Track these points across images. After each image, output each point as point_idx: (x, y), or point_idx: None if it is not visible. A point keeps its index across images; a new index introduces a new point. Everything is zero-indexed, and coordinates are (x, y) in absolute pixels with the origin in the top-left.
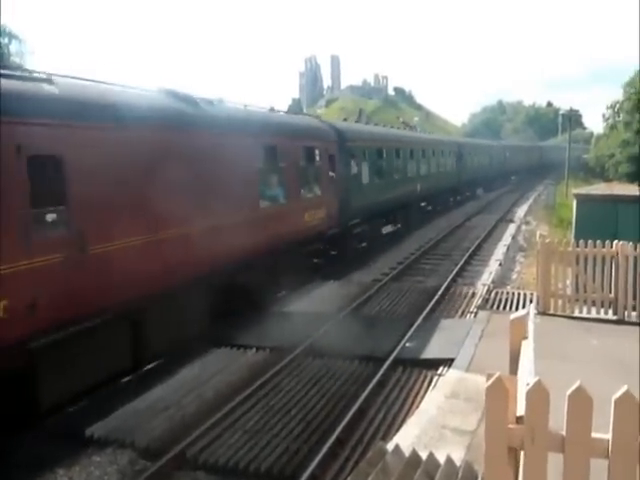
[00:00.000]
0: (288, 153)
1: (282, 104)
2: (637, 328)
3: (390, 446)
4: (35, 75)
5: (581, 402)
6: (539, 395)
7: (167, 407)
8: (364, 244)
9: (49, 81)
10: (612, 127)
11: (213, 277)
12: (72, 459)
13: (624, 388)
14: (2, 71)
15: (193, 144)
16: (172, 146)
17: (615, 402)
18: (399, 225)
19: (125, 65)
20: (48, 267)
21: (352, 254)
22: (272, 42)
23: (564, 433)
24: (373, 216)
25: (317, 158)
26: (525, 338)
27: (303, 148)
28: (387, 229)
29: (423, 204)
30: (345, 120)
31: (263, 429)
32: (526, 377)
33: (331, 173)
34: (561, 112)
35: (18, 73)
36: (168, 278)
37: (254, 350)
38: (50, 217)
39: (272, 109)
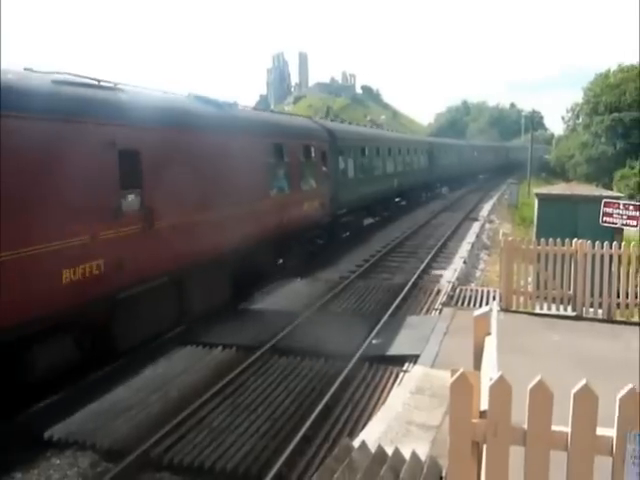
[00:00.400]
0: (291, 150)
1: (249, 100)
2: (595, 324)
3: (356, 442)
4: (108, 84)
5: (542, 396)
6: (502, 390)
7: (130, 407)
8: (347, 233)
9: (121, 90)
10: (572, 129)
11: (235, 254)
12: (30, 462)
13: (583, 382)
14: (88, 81)
15: (221, 142)
16: (210, 144)
17: (574, 396)
18: (377, 218)
19: (90, 56)
20: (130, 236)
21: (339, 241)
22: (240, 38)
23: (525, 426)
24: (357, 208)
25: (313, 155)
26: (488, 334)
27: (302, 146)
28: (368, 220)
29: (397, 199)
30: (310, 117)
31: (229, 428)
32: (489, 372)
33: (324, 168)
34: (524, 113)
35: (100, 83)
36: (204, 253)
37: (220, 348)
38: (130, 197)
39: (273, 111)
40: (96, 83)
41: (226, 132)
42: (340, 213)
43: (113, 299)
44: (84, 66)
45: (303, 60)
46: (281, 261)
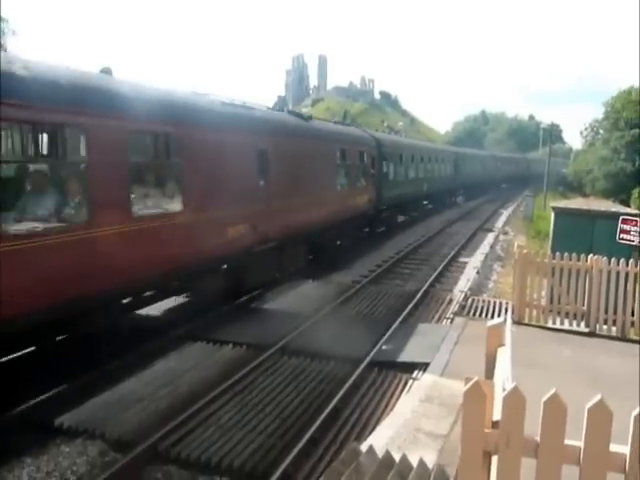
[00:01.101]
0: (351, 155)
1: (268, 100)
2: (608, 341)
3: (364, 447)
4: (248, 105)
5: (556, 409)
6: (516, 401)
7: (140, 399)
8: (383, 228)
9: (254, 109)
10: (591, 144)
11: (311, 232)
12: (40, 448)
13: (597, 397)
14: (238, 102)
15: (309, 146)
16: (301, 147)
17: (588, 410)
18: (408, 216)
19: (114, 56)
20: (260, 210)
21: (380, 232)
22: (260, 38)
23: (538, 439)
24: (394, 206)
25: (365, 159)
26: (501, 345)
27: (358, 152)
28: (400, 218)
29: (425, 202)
30: (362, 127)
31: (237, 425)
32: (503, 383)
33: (372, 170)
34: (542, 126)
35: (244, 104)
36: (296, 228)
37: (230, 346)
38: (262, 183)
39: (339, 122)
40: (242, 104)
41: (311, 139)
42: (381, 208)
43: (249, 251)
44: (103, 63)
45: (322, 63)
46: (339, 242)
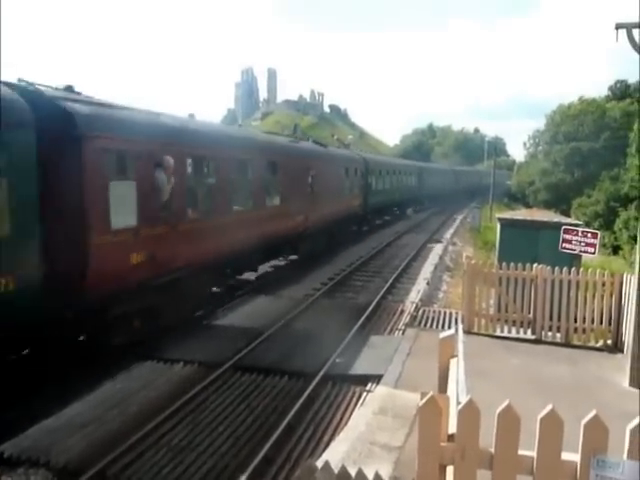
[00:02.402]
0: (350, 171)
1: (217, 114)
2: (553, 347)
3: (319, 463)
4: (305, 140)
5: (509, 420)
6: (470, 413)
7: (87, 423)
8: (366, 228)
9: (306, 141)
10: (532, 156)
11: (332, 222)
12: None
13: (549, 407)
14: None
15: (329, 167)
16: (326, 168)
17: (540, 420)
18: (384, 219)
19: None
20: (309, 207)
21: (367, 229)
22: (209, 52)
23: (492, 450)
24: (375, 210)
25: (357, 173)
26: (453, 357)
27: (354, 168)
28: (378, 221)
29: (395, 209)
30: (350, 149)
31: (189, 446)
32: (457, 395)
33: (361, 182)
34: (487, 139)
35: (297, 139)
36: (327, 220)
37: (182, 364)
38: (309, 190)
39: (345, 145)
40: (294, 139)
41: (329, 160)
42: (367, 211)
43: (303, 234)
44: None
45: (272, 76)
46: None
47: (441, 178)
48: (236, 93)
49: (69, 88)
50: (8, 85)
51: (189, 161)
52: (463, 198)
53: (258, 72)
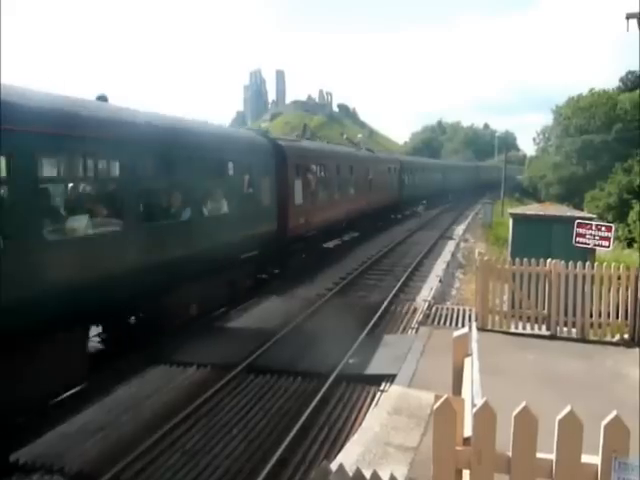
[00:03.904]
0: (387, 171)
1: (226, 117)
2: (568, 343)
3: (334, 465)
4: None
5: (527, 423)
6: (486, 417)
7: (101, 428)
8: (400, 215)
9: (365, 149)
10: (544, 150)
11: (379, 209)
12: None
13: (568, 408)
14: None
15: (378, 168)
16: (370, 169)
17: (559, 422)
18: (419, 208)
19: (68, 73)
20: (366, 198)
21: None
22: (218, 54)
23: (510, 454)
24: (409, 202)
25: (393, 172)
26: (467, 355)
27: (389, 168)
28: (406, 212)
29: (424, 201)
30: (390, 152)
31: (203, 449)
32: (473, 398)
33: (398, 178)
34: (497, 134)
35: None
36: (372, 208)
37: (194, 367)
38: (373, 184)
39: (355, 145)
40: (358, 148)
41: (378, 163)
42: (402, 202)
43: (364, 215)
44: (54, 79)
45: (280, 77)
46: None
47: (463, 174)
48: (245, 95)
49: (102, 97)
50: (261, 134)
51: (321, 168)
52: (483, 191)
53: (266, 74)
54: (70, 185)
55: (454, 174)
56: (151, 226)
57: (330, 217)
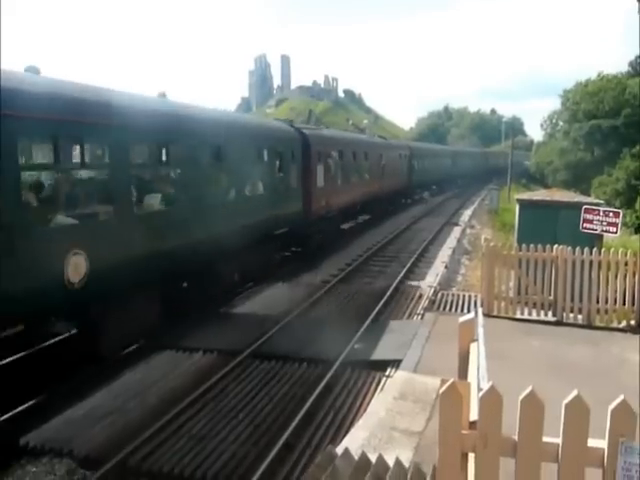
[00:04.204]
0: (400, 157)
1: (231, 102)
2: (575, 329)
3: (339, 449)
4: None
5: (533, 407)
6: (492, 401)
7: (108, 414)
8: (410, 201)
9: (382, 138)
10: (551, 136)
11: (389, 194)
12: (4, 470)
13: (574, 393)
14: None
15: (389, 154)
16: (386, 156)
17: (565, 407)
18: (425, 194)
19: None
20: (383, 181)
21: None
22: (222, 39)
23: (516, 438)
24: (419, 187)
25: (404, 158)
26: (473, 341)
27: (401, 154)
28: (415, 197)
29: (433, 186)
30: (398, 138)
31: (209, 434)
32: (479, 382)
33: (408, 164)
34: (504, 120)
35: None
36: (386, 192)
37: (200, 353)
38: (385, 170)
39: (360, 131)
40: (371, 135)
41: (390, 149)
42: (412, 187)
43: (376, 198)
44: (56, 65)
45: (285, 63)
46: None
47: (472, 160)
48: (250, 81)
49: (163, 94)
50: (290, 125)
51: (339, 154)
52: (490, 177)
53: (271, 59)
54: (178, 171)
55: (463, 160)
56: (213, 204)
57: (347, 200)
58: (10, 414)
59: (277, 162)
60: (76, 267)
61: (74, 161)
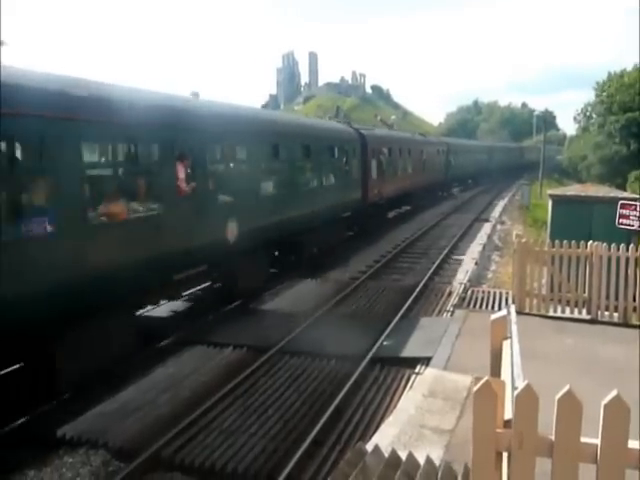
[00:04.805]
0: (438, 152)
1: (259, 100)
2: (610, 328)
3: (369, 446)
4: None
5: (570, 407)
6: (528, 399)
7: (141, 407)
8: (445, 194)
9: (421, 135)
10: (584, 129)
11: (428, 186)
12: (43, 461)
13: (614, 393)
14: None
15: (429, 150)
16: (427, 152)
17: (605, 407)
18: (454, 190)
19: (91, 55)
20: (424, 174)
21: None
22: (250, 37)
23: (553, 438)
24: (454, 181)
25: (441, 154)
26: (506, 338)
27: (441, 150)
28: (450, 191)
29: (469, 180)
30: (435, 136)
31: (240, 429)
32: (514, 380)
33: (445, 159)
34: (536, 113)
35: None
36: (425, 185)
37: (230, 348)
38: (426, 165)
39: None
40: (412, 134)
41: (429, 145)
42: (448, 180)
43: (418, 189)
44: (83, 65)
45: (313, 60)
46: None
47: (507, 155)
48: (277, 78)
49: (195, 94)
50: (350, 126)
51: (389, 151)
52: (522, 172)
53: (299, 56)
54: (293, 167)
55: (499, 155)
56: (305, 190)
57: (394, 190)
58: (48, 406)
59: (344, 158)
60: (232, 230)
61: (253, 161)
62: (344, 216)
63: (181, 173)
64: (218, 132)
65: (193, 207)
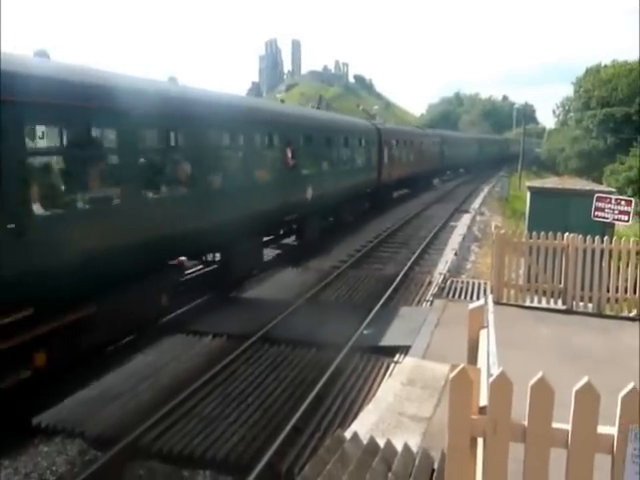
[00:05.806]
0: (434, 144)
1: (242, 87)
2: (584, 318)
3: (348, 434)
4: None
5: (543, 393)
6: (502, 386)
7: (120, 395)
8: (438, 180)
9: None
10: (563, 123)
11: (425, 174)
12: (18, 449)
13: (585, 379)
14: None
15: (424, 141)
16: (423, 143)
17: (576, 393)
18: (435, 181)
19: (71, 40)
20: (421, 164)
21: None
22: (232, 24)
23: (525, 423)
24: (447, 169)
25: (436, 145)
26: (483, 327)
27: (434, 142)
28: (444, 178)
29: (461, 169)
30: (431, 128)
31: (219, 417)
32: (489, 368)
33: (439, 150)
34: (516, 106)
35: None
36: (424, 172)
37: (210, 337)
38: (423, 155)
39: (371, 117)
40: (413, 127)
41: (425, 137)
42: (443, 169)
43: (418, 177)
44: (64, 49)
45: (296, 47)
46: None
47: (495, 147)
48: (260, 66)
49: (173, 79)
50: (368, 121)
51: (397, 142)
52: (500, 165)
53: (282, 44)
54: (335, 153)
55: (487, 147)
56: (345, 170)
57: (400, 174)
58: (23, 394)
59: (368, 147)
60: (310, 194)
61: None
62: (365, 192)
63: (289, 154)
64: (310, 131)
65: (297, 175)
